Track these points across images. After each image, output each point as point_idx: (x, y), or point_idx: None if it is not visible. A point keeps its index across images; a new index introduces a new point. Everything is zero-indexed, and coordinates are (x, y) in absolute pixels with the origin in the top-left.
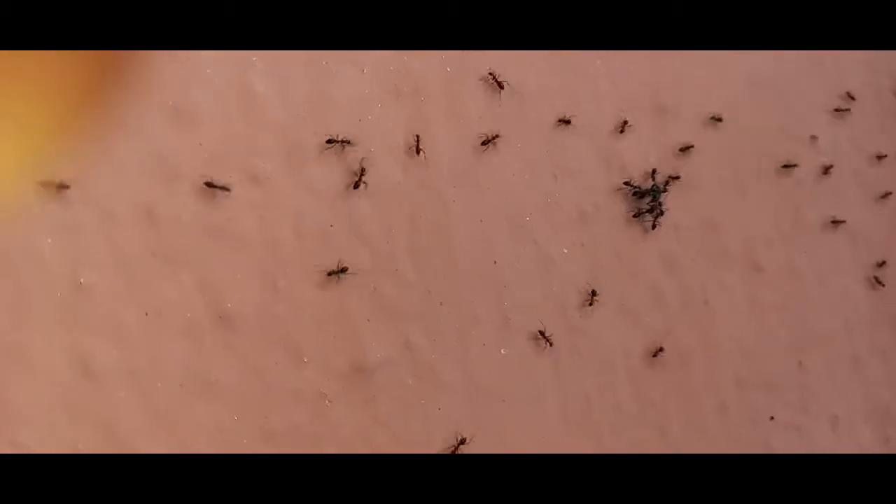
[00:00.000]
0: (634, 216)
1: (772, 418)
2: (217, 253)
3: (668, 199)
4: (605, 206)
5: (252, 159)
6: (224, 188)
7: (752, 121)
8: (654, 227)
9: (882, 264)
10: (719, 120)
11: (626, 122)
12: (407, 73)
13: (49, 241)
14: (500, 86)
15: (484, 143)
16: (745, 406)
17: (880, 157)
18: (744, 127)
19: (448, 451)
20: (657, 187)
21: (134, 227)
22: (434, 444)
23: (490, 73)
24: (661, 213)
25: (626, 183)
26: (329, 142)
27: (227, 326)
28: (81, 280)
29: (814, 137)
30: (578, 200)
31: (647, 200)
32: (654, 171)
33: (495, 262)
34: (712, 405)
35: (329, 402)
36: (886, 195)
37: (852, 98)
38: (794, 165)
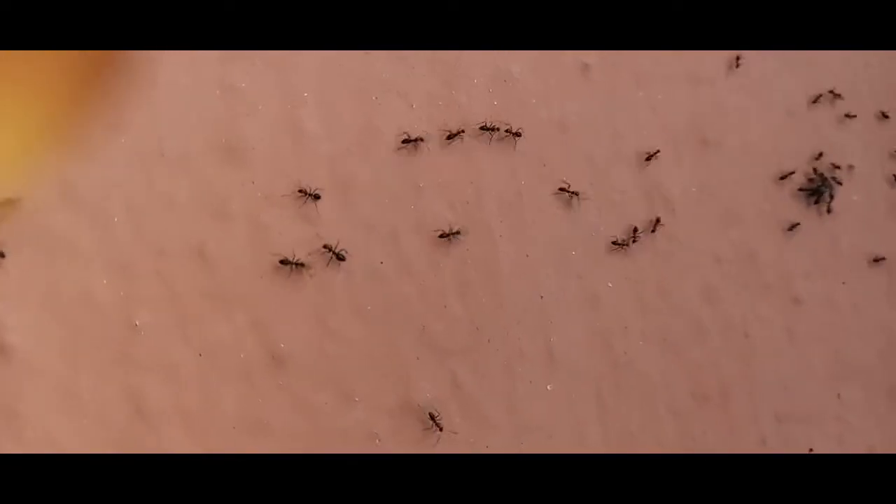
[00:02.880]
0: (801, 190)
1: (811, 450)
2: (269, 292)
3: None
4: (648, 239)
5: (303, 196)
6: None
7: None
8: (829, 208)
9: None
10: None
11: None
12: (455, 108)
13: (104, 281)
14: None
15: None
16: (784, 439)
17: None
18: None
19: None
20: (829, 182)
21: (187, 266)
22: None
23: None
24: (832, 198)
25: (814, 168)
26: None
27: (279, 366)
28: (137, 322)
29: (851, 167)
30: (621, 233)
31: (820, 187)
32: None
33: (542, 298)
34: (753, 439)
35: (379, 441)
36: None
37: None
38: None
